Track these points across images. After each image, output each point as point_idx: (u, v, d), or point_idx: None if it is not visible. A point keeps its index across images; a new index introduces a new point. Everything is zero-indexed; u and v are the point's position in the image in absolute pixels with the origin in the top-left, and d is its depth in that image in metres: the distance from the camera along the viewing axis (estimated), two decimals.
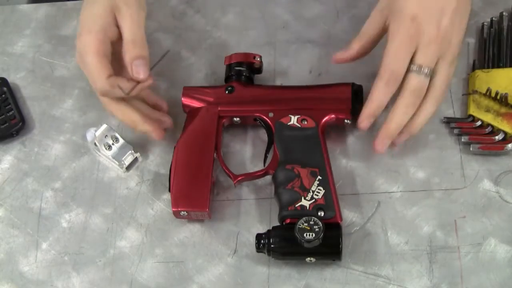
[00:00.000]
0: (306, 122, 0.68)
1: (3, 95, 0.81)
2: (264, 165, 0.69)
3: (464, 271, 0.62)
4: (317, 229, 0.60)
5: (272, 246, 0.62)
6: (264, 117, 0.70)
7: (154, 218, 0.71)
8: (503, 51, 0.73)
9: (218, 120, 0.70)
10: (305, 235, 0.60)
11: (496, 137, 0.68)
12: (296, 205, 0.63)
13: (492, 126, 0.68)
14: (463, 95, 0.72)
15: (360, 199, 0.68)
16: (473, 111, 0.69)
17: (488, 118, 0.68)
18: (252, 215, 0.69)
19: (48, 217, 0.73)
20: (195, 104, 0.72)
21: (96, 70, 0.65)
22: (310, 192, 0.64)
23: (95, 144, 0.73)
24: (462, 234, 0.64)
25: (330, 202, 0.63)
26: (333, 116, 0.69)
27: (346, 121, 0.69)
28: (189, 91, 0.73)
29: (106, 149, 0.73)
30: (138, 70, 0.65)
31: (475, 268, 0.62)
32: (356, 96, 0.69)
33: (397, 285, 0.63)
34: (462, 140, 0.69)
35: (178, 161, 0.68)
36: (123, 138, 0.74)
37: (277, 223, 0.66)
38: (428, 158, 0.69)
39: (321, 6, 0.83)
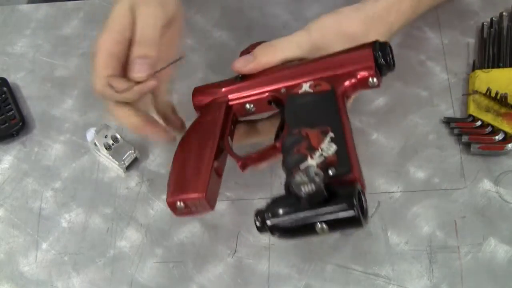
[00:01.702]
0: (319, 87, 0.59)
1: (3, 95, 0.81)
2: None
3: (464, 271, 0.62)
4: (317, 180, 0.48)
5: (272, 219, 0.51)
6: (277, 96, 0.62)
7: (154, 218, 0.71)
8: (503, 51, 0.73)
9: (226, 110, 0.64)
10: (302, 188, 0.48)
11: (496, 137, 0.68)
12: (301, 167, 0.52)
13: (492, 126, 0.68)
14: (463, 95, 0.72)
15: None
16: (473, 111, 0.70)
17: (488, 118, 0.68)
18: (252, 215, 0.69)
19: (48, 217, 0.73)
20: (205, 99, 0.66)
21: (98, 68, 0.62)
22: (318, 150, 0.53)
23: (95, 144, 0.73)
24: (462, 234, 0.64)
25: (343, 157, 0.52)
26: (353, 79, 0.59)
27: (371, 80, 0.58)
28: (199, 89, 0.68)
29: (106, 149, 0.73)
30: (137, 69, 0.61)
31: (475, 268, 0.62)
32: (382, 52, 0.59)
33: (397, 285, 0.63)
34: (462, 140, 0.69)
35: (178, 153, 0.62)
36: (123, 138, 0.74)
37: None
38: (428, 158, 0.69)
39: (321, 6, 0.83)
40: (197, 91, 0.67)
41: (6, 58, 0.86)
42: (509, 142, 0.67)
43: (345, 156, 0.52)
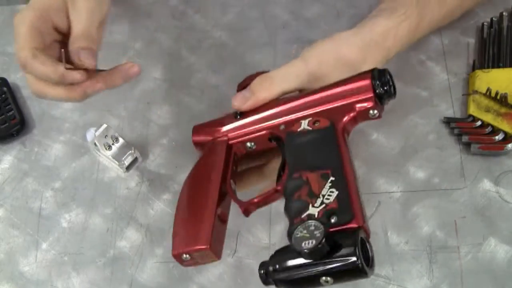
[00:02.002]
0: (318, 124, 0.57)
1: (3, 95, 0.81)
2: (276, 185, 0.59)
3: (464, 271, 0.62)
4: (318, 234, 0.47)
5: (276, 272, 0.50)
6: (276, 133, 0.60)
7: (154, 218, 0.71)
8: (503, 51, 0.73)
9: (227, 149, 0.62)
10: (303, 244, 0.47)
11: (496, 137, 0.68)
12: (303, 216, 0.51)
13: (492, 126, 0.68)
14: (463, 95, 0.72)
15: None
16: (473, 111, 0.69)
17: (488, 118, 0.68)
18: (252, 215, 0.69)
19: (48, 217, 0.73)
20: (205, 138, 0.65)
21: (23, 39, 0.61)
22: (319, 197, 0.51)
23: (95, 144, 0.73)
24: (462, 234, 0.64)
25: (345, 204, 0.50)
26: (353, 112, 0.57)
27: (372, 112, 0.57)
28: (199, 128, 0.67)
29: (106, 149, 0.73)
30: (84, 56, 0.58)
31: (475, 268, 0.62)
32: (381, 81, 0.57)
33: (397, 285, 0.63)
34: (462, 140, 0.69)
35: (181, 200, 0.60)
36: (123, 138, 0.74)
37: (279, 224, 0.65)
38: (428, 158, 0.69)
39: (321, 6, 0.83)
40: (197, 130, 0.66)
41: (6, 58, 0.86)
42: (509, 142, 0.67)
43: (347, 202, 0.50)
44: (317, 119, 0.58)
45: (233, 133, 0.63)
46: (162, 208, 0.71)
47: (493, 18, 0.76)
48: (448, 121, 0.71)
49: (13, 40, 0.87)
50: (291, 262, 0.49)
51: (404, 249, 0.64)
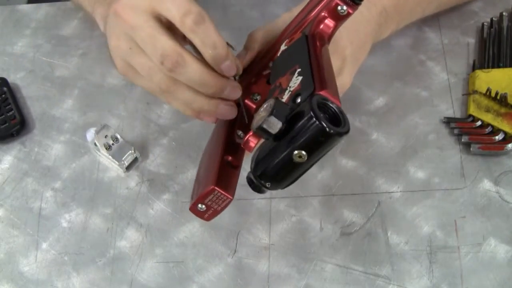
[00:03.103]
0: (293, 40, 0.56)
1: (3, 95, 0.81)
2: None
3: (464, 271, 0.62)
4: (269, 108, 0.45)
5: (255, 170, 0.48)
6: (268, 72, 0.59)
7: (154, 218, 0.71)
8: (503, 51, 0.73)
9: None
10: (260, 122, 0.44)
11: (496, 137, 0.68)
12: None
13: (492, 126, 0.68)
14: (463, 95, 0.72)
15: (360, 199, 0.68)
16: (473, 111, 0.69)
17: (488, 118, 0.68)
18: (252, 215, 0.69)
19: (48, 217, 0.73)
20: None
21: (155, 29, 0.49)
22: (287, 88, 0.49)
23: (95, 144, 0.73)
24: (462, 234, 0.64)
25: (307, 81, 0.47)
26: (321, 12, 0.54)
27: (340, 9, 0.54)
28: None
29: (106, 149, 0.73)
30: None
31: (475, 268, 0.62)
32: None
33: (397, 285, 0.63)
34: (462, 140, 0.69)
35: (199, 167, 0.59)
36: (123, 138, 0.74)
37: (279, 224, 0.65)
38: (428, 158, 0.69)
39: None
40: None
41: (6, 58, 0.86)
42: (509, 142, 0.67)
43: (309, 79, 0.47)
44: (292, 38, 0.57)
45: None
46: (162, 208, 0.71)
47: (493, 18, 0.76)
48: (448, 121, 0.71)
49: (13, 40, 0.88)
50: (262, 153, 0.47)
51: (404, 249, 0.64)
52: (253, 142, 0.54)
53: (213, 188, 0.52)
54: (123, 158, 0.73)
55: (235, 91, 0.54)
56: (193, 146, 0.74)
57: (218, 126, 0.62)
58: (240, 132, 0.59)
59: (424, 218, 0.66)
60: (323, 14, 0.55)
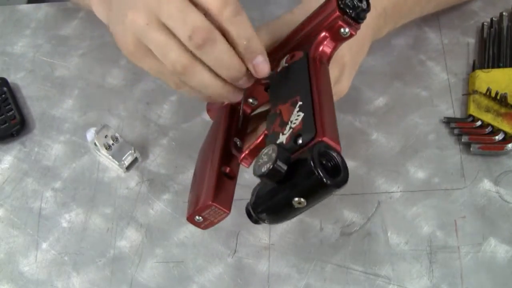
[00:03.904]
0: (294, 58, 0.55)
1: (3, 95, 0.81)
2: None
3: (464, 271, 0.62)
4: (273, 155, 0.45)
5: (254, 205, 0.50)
6: (267, 81, 0.58)
7: (154, 218, 0.71)
8: (503, 51, 0.73)
9: (230, 110, 0.61)
10: (263, 169, 0.45)
11: (496, 137, 0.68)
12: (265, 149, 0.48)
13: (492, 126, 0.68)
14: (463, 95, 0.72)
15: (360, 199, 0.68)
16: (473, 111, 0.69)
17: (488, 118, 0.68)
18: None
19: (48, 217, 0.73)
20: (213, 107, 0.65)
21: (184, 3, 0.47)
22: (288, 123, 0.49)
23: (95, 144, 0.73)
24: (462, 234, 0.64)
25: (308, 122, 0.47)
26: (323, 32, 0.54)
27: (343, 31, 0.53)
28: (209, 102, 0.66)
29: (106, 149, 0.73)
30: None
31: (475, 268, 0.62)
32: None
33: (397, 285, 0.63)
34: (462, 140, 0.69)
35: (195, 168, 0.60)
36: (123, 138, 0.74)
37: (279, 224, 0.65)
38: (428, 158, 0.69)
39: None
40: (208, 104, 0.67)
41: (6, 58, 0.86)
42: (509, 142, 0.67)
43: (310, 121, 0.47)
44: (293, 54, 0.56)
45: None
46: (162, 208, 0.71)
47: (493, 18, 0.76)
48: (448, 121, 0.71)
49: (13, 40, 0.88)
50: (262, 191, 0.49)
51: (404, 249, 0.64)
52: (250, 160, 0.56)
53: (211, 204, 0.53)
54: (123, 158, 0.73)
55: (250, 81, 0.54)
56: (193, 146, 0.74)
57: (214, 129, 0.62)
58: (238, 141, 0.59)
59: (424, 218, 0.66)
60: (324, 34, 0.54)
